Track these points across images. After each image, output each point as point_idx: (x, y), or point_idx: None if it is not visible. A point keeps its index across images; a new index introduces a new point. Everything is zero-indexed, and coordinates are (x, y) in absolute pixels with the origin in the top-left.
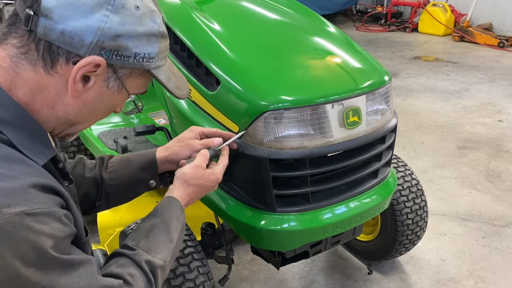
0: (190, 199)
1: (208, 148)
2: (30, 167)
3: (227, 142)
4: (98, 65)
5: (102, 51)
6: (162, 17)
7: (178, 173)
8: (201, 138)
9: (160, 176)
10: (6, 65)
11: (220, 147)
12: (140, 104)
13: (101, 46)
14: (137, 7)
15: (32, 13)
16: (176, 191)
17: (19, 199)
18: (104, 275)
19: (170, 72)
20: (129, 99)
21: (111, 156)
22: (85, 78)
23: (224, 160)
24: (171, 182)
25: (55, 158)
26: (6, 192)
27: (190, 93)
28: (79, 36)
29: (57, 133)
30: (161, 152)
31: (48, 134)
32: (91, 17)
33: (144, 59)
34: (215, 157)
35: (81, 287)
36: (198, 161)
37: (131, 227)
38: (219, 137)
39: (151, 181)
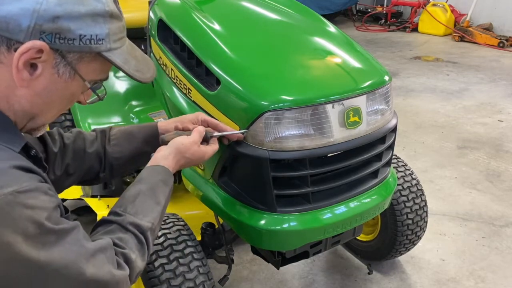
0: (177, 166)
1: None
2: (5, 152)
3: (225, 133)
4: (41, 51)
5: (42, 35)
6: None
7: (176, 142)
8: (203, 126)
9: None
10: None
11: (216, 134)
12: (104, 91)
13: (40, 30)
14: None
15: None
16: (165, 159)
17: (8, 180)
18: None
19: (129, 55)
20: (88, 86)
21: (111, 128)
22: (32, 66)
23: (214, 146)
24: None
25: (26, 145)
26: None
27: (190, 92)
28: (15, 21)
29: (20, 127)
30: (161, 126)
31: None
32: None
33: (92, 41)
34: (205, 141)
35: (74, 252)
36: (194, 138)
37: None
38: (220, 130)
39: (153, 154)
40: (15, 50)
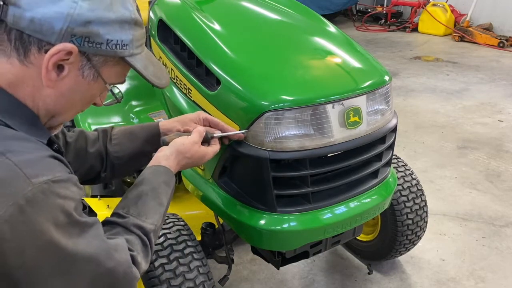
0: (178, 167)
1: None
2: (36, 143)
3: (226, 134)
4: (70, 53)
5: (73, 38)
6: (136, 6)
7: (177, 142)
8: (204, 125)
9: None
10: None
11: (216, 135)
12: (120, 93)
13: (71, 33)
14: None
15: (1, 2)
16: (166, 159)
17: (43, 168)
18: None
19: (148, 61)
20: (108, 88)
21: (113, 127)
22: (59, 67)
23: (215, 147)
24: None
25: (50, 140)
26: (31, 163)
27: (190, 92)
28: (49, 23)
29: None
30: (162, 126)
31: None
32: (60, 3)
33: (118, 46)
34: (205, 142)
35: (96, 246)
36: (194, 138)
37: None
38: (221, 130)
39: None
40: (46, 52)
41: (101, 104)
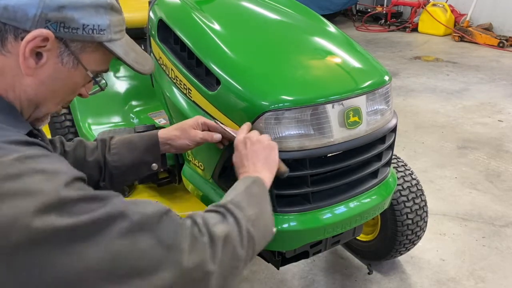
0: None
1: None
2: (10, 131)
3: (229, 130)
4: (46, 39)
5: (48, 24)
6: None
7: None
8: (202, 129)
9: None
10: None
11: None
12: (104, 83)
13: (46, 18)
14: None
15: None
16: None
17: (12, 150)
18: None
19: (129, 48)
20: (90, 76)
21: (112, 137)
22: (38, 55)
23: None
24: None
25: (31, 132)
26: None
27: (190, 93)
28: (23, 10)
29: (26, 117)
30: (162, 134)
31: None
32: None
33: (94, 31)
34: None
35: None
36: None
37: None
38: (220, 133)
39: (154, 164)
40: (22, 39)
41: (87, 95)
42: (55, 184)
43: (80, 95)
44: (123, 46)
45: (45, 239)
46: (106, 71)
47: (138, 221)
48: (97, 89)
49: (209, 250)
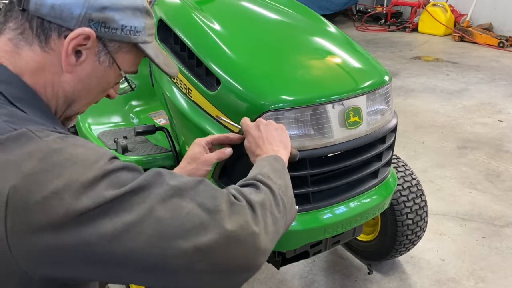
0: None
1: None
2: (50, 128)
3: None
4: (88, 37)
5: (90, 23)
6: None
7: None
8: (209, 148)
9: None
10: (8, 48)
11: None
12: (133, 83)
13: (89, 18)
14: None
15: None
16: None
17: (54, 134)
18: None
19: (158, 50)
20: (122, 76)
21: None
22: (78, 53)
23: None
24: None
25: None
26: (42, 131)
27: (190, 92)
28: (68, 9)
29: (58, 116)
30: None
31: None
32: None
33: (131, 32)
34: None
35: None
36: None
37: None
38: (224, 140)
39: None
40: (65, 37)
41: (115, 96)
42: (98, 156)
43: (108, 96)
44: (154, 48)
45: (93, 210)
46: (136, 72)
47: (176, 187)
48: (126, 88)
49: (250, 213)
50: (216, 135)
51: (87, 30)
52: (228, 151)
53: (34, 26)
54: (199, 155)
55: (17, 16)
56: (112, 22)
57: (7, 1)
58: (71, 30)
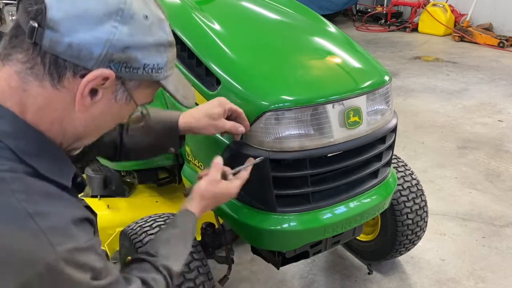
0: (204, 210)
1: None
2: (66, 201)
3: (244, 166)
4: (106, 78)
5: (111, 64)
6: (169, 24)
7: (196, 187)
8: (228, 115)
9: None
10: (14, 84)
11: (234, 170)
12: (148, 114)
13: (110, 59)
14: (146, 16)
15: (36, 25)
16: (190, 204)
17: (68, 236)
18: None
19: (177, 81)
20: (140, 110)
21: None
22: (93, 91)
23: (244, 175)
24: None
25: (74, 174)
26: (57, 230)
27: None
28: (87, 49)
29: (64, 148)
30: (185, 119)
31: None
32: (100, 28)
33: (153, 70)
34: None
35: None
36: (212, 175)
37: (131, 227)
38: (242, 121)
39: (171, 148)
40: (81, 77)
41: (126, 121)
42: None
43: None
44: (174, 81)
45: None
46: (151, 102)
47: None
48: (136, 120)
49: None
50: (238, 109)
51: (106, 72)
52: (241, 129)
53: (46, 63)
54: (217, 117)
55: (27, 48)
56: (134, 62)
57: (5, 1)
58: (89, 70)
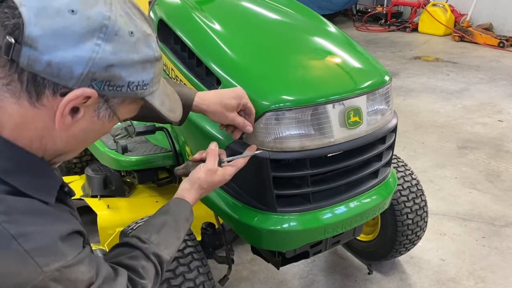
0: (199, 198)
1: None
2: (51, 216)
3: (241, 156)
4: (88, 97)
5: (93, 82)
6: (156, 37)
7: (193, 177)
8: (240, 110)
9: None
10: None
11: (229, 158)
12: (132, 128)
13: (92, 78)
14: (131, 33)
15: (13, 41)
16: (188, 193)
17: (55, 254)
18: (117, 263)
19: (164, 94)
20: (123, 125)
21: None
22: (74, 109)
23: (240, 162)
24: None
25: (61, 188)
26: (43, 250)
27: None
28: (68, 68)
29: (47, 160)
30: (201, 101)
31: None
32: (81, 46)
33: (138, 87)
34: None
35: None
36: (210, 165)
37: (131, 227)
38: (249, 112)
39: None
40: (62, 95)
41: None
42: None
43: None
44: (160, 95)
45: None
46: (135, 116)
47: None
48: (125, 135)
49: None
50: (252, 107)
51: (88, 91)
52: (249, 128)
53: (24, 80)
54: (231, 108)
55: (4, 64)
56: (118, 80)
57: None
58: (70, 88)
